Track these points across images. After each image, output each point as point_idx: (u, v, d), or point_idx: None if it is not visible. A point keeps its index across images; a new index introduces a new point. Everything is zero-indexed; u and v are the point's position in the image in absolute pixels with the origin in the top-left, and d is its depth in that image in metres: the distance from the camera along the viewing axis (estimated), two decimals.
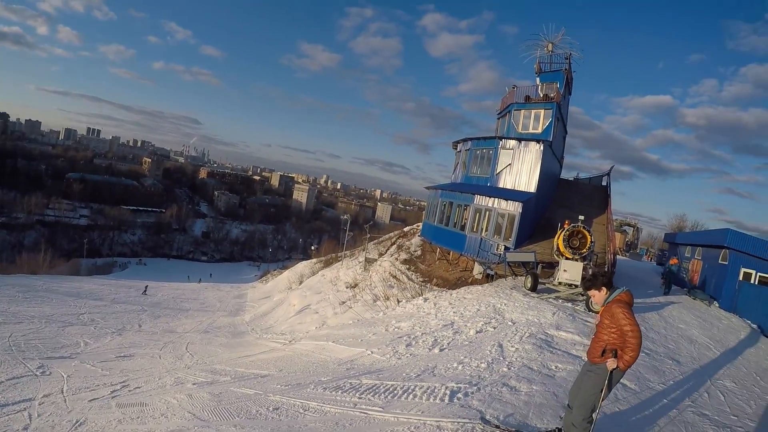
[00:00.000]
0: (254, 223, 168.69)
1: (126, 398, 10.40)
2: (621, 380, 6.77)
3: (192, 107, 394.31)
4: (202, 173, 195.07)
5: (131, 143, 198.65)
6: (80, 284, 47.19)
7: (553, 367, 9.11)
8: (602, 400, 5.57)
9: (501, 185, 25.49)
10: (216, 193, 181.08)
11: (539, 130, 26.76)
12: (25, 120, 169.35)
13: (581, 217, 17.58)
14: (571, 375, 6.69)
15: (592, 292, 5.79)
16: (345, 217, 68.81)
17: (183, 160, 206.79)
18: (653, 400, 8.16)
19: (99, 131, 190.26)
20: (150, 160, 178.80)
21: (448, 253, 28.20)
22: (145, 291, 47.31)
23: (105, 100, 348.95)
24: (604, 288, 5.69)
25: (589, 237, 16.98)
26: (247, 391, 10.03)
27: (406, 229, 48.87)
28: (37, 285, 38.17)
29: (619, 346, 5.37)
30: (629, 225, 56.14)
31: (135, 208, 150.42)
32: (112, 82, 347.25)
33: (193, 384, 11.42)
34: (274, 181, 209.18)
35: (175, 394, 10.16)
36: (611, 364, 5.35)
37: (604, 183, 36.86)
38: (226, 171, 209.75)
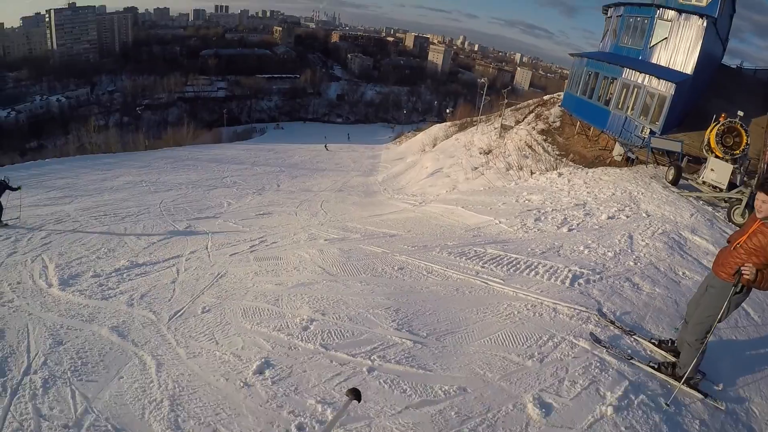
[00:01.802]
0: (389, 85, 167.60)
1: (263, 252, 11.10)
2: (744, 306, 6.11)
3: None
4: (334, 37, 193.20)
5: (260, 14, 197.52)
6: (222, 151, 50.20)
7: (681, 273, 8.52)
8: (720, 321, 4.92)
9: (654, 61, 22.89)
10: (349, 56, 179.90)
11: (703, 3, 22.97)
12: (154, 9, 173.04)
13: (740, 113, 15.28)
14: (696, 286, 6.13)
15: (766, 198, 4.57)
16: (482, 80, 65.88)
17: (314, 26, 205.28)
18: None
19: (227, 7, 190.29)
20: (281, 29, 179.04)
21: (589, 129, 26.39)
22: (326, 146, 58.05)
23: None
24: None
25: (745, 137, 14.81)
26: (375, 249, 10.33)
27: (545, 97, 45.84)
28: (183, 155, 40.95)
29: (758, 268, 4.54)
30: None
31: (270, 75, 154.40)
32: None
33: (325, 240, 11.85)
34: (408, 43, 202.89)
35: (307, 249, 10.65)
36: (749, 270, 4.47)
37: None
38: (359, 34, 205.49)
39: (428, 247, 10.26)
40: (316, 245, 11.21)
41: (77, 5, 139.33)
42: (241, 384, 5.38)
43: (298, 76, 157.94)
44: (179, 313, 7.43)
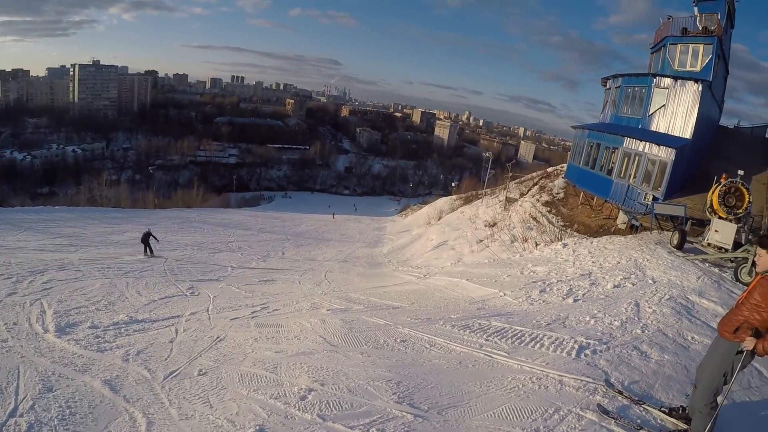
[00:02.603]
0: (396, 159, 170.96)
1: (264, 319, 11.03)
2: (755, 365, 5.94)
3: (331, 49, 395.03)
4: (344, 111, 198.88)
5: (274, 87, 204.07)
6: (230, 216, 51.26)
7: (689, 338, 8.34)
8: (730, 384, 4.77)
9: (653, 128, 23.04)
10: (358, 130, 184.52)
11: (697, 68, 23.53)
12: (173, 74, 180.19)
13: (740, 172, 15.34)
14: (706, 349, 5.96)
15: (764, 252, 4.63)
16: (487, 154, 67.54)
17: (325, 100, 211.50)
18: None
19: (243, 78, 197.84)
20: (293, 102, 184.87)
21: (592, 198, 26.58)
22: (333, 216, 62.48)
23: (246, 50, 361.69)
24: None
25: (747, 195, 14.84)
26: (377, 320, 10.25)
27: (549, 169, 46.61)
28: (191, 217, 41.97)
29: (762, 328, 4.49)
30: None
31: (280, 146, 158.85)
32: (251, 33, 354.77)
33: (328, 310, 11.81)
34: (416, 118, 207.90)
35: (309, 319, 10.61)
36: (749, 343, 4.47)
37: None
38: (368, 109, 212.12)
39: (432, 319, 10.17)
40: (318, 315, 11.17)
41: (101, 63, 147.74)
42: None
43: (308, 147, 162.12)
44: (174, 374, 7.33)
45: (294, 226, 47.10)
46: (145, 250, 21.59)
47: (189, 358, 8.02)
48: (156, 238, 22.40)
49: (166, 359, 8.00)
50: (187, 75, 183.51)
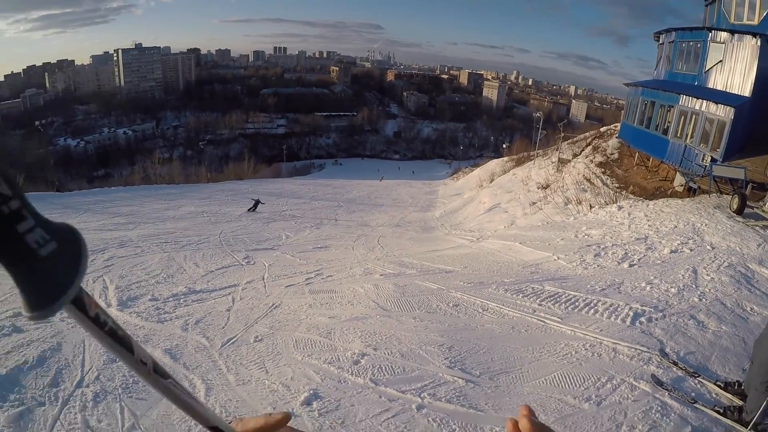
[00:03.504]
0: (444, 122, 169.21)
1: (318, 285, 11.07)
2: None
3: (372, 13, 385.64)
4: (390, 76, 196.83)
5: (317, 55, 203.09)
6: (281, 185, 51.67)
7: (748, 309, 8.00)
8: None
9: (710, 85, 21.96)
10: (405, 93, 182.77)
11: (755, 22, 21.94)
12: (215, 50, 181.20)
13: None
14: (765, 322, 5.70)
15: None
16: (537, 114, 65.51)
17: (369, 65, 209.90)
18: None
19: (285, 48, 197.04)
20: (337, 69, 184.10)
21: (648, 159, 25.60)
22: (381, 179, 66.04)
23: (286, 20, 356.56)
24: None
25: None
26: (430, 285, 10.18)
27: (602, 129, 45.08)
28: (243, 188, 42.25)
29: None
30: None
31: (328, 113, 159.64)
32: (290, 2, 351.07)
33: (381, 275, 11.72)
34: (463, 79, 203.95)
35: (362, 284, 10.57)
36: None
37: None
38: (413, 72, 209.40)
39: (484, 283, 10.06)
40: (371, 280, 11.14)
41: (143, 46, 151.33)
42: None
43: (355, 114, 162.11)
44: (232, 341, 7.49)
45: (345, 193, 47.32)
46: (251, 208, 28.13)
47: (245, 326, 8.19)
48: (262, 203, 29.44)
49: (223, 327, 8.18)
50: (230, 50, 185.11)
